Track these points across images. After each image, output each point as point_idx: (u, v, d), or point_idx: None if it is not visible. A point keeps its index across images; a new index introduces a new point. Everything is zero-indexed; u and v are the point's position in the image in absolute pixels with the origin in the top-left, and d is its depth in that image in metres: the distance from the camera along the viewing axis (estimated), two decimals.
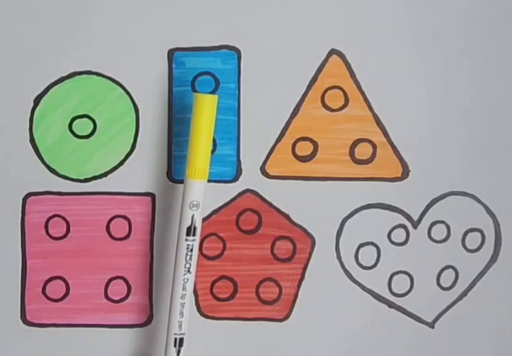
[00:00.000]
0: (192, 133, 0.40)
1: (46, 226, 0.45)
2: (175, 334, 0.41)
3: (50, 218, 0.45)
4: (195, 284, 0.45)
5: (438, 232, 0.45)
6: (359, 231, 0.45)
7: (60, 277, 0.45)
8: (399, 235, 0.45)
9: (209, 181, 0.45)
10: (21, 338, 0.45)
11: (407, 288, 0.45)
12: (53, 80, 0.45)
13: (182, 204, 0.41)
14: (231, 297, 0.45)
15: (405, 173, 0.45)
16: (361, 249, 0.45)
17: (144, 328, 0.45)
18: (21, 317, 0.45)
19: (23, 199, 0.45)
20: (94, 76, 0.45)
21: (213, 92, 0.45)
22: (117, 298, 0.45)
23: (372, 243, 0.45)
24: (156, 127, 0.45)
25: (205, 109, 0.40)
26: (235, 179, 0.45)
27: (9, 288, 0.45)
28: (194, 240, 0.40)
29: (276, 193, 0.45)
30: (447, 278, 0.45)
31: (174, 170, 0.45)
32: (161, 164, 0.45)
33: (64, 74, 0.45)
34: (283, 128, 0.45)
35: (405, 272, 0.45)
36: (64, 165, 0.45)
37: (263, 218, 0.45)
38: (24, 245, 0.45)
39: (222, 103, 0.45)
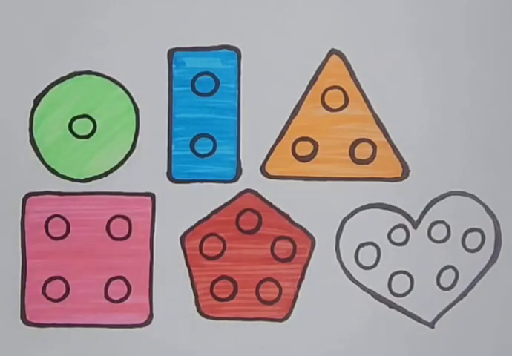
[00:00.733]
0: None
1: (46, 226, 0.45)
2: None
3: (50, 218, 0.45)
4: (195, 284, 0.45)
5: (438, 232, 0.45)
6: (359, 231, 0.45)
7: (60, 277, 0.45)
8: (399, 235, 0.45)
9: (209, 181, 0.45)
10: (21, 338, 0.45)
11: (407, 288, 0.45)
12: (53, 80, 0.45)
13: None
14: (231, 297, 0.45)
15: (405, 173, 0.45)
16: (361, 249, 0.45)
17: (144, 328, 0.45)
18: (21, 317, 0.45)
19: (23, 199, 0.45)
20: (94, 76, 0.45)
21: (213, 92, 0.45)
22: (117, 298, 0.45)
23: (372, 243, 0.45)
24: (156, 127, 0.45)
25: None
26: (235, 179, 0.45)
27: (9, 288, 0.45)
28: None
29: (276, 193, 0.45)
30: (447, 278, 0.45)
31: (174, 170, 0.45)
32: (161, 164, 0.45)
33: (64, 74, 0.45)
34: (283, 128, 0.45)
35: (405, 272, 0.45)
36: (64, 165, 0.45)
37: (263, 218, 0.45)
38: (24, 245, 0.45)
39: (222, 103, 0.45)
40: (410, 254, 0.45)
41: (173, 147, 0.45)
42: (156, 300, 0.45)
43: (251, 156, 0.45)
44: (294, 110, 0.45)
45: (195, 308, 0.45)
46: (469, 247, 0.45)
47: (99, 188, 0.45)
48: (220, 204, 0.45)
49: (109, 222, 0.45)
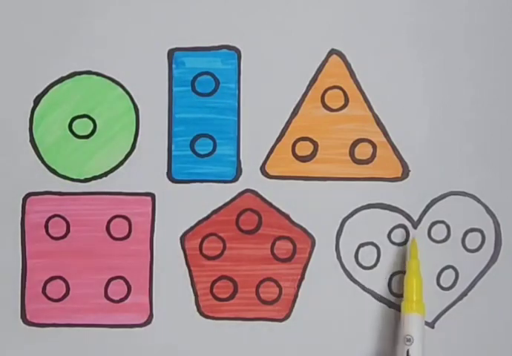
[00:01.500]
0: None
1: (46, 226, 0.45)
2: None
3: (50, 218, 0.45)
4: (195, 284, 0.45)
5: (438, 232, 0.45)
6: (359, 231, 0.45)
7: (60, 277, 0.45)
8: (399, 235, 0.45)
9: (209, 181, 0.45)
10: (21, 338, 0.45)
11: None
12: (53, 80, 0.45)
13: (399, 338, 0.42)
14: (231, 297, 0.45)
15: (405, 173, 0.45)
16: (361, 249, 0.45)
17: (144, 328, 0.45)
18: (21, 317, 0.45)
19: (23, 199, 0.45)
20: (94, 76, 0.45)
21: (213, 92, 0.45)
22: (117, 298, 0.45)
23: (372, 243, 0.45)
24: (156, 127, 0.45)
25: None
26: (235, 179, 0.45)
27: (9, 288, 0.45)
28: None
29: (276, 193, 0.45)
30: (447, 278, 0.45)
31: (174, 170, 0.45)
32: (161, 164, 0.45)
33: (64, 74, 0.45)
34: (283, 128, 0.45)
35: (405, 272, 0.45)
36: (64, 165, 0.45)
37: (263, 218, 0.45)
38: (24, 245, 0.45)
39: (222, 103, 0.45)
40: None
41: (173, 147, 0.45)
42: (156, 300, 0.45)
43: (251, 156, 0.45)
44: (294, 110, 0.45)
45: (195, 308, 0.45)
46: (469, 247, 0.45)
47: (99, 188, 0.45)
48: (220, 204, 0.45)
49: (109, 222, 0.45)
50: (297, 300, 0.45)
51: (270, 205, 0.45)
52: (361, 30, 0.44)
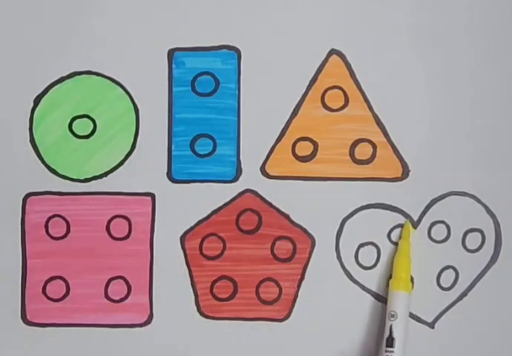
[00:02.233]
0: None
1: (46, 226, 0.45)
2: None
3: (50, 218, 0.45)
4: (195, 284, 0.45)
5: (438, 232, 0.45)
6: (359, 231, 0.45)
7: (60, 277, 0.45)
8: (399, 235, 0.45)
9: (209, 181, 0.45)
10: (21, 338, 0.45)
11: None
12: (53, 80, 0.45)
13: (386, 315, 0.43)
14: (231, 297, 0.45)
15: (405, 173, 0.45)
16: (361, 249, 0.45)
17: (144, 328, 0.45)
18: (21, 317, 0.45)
19: (23, 199, 0.45)
20: (94, 76, 0.45)
21: (213, 92, 0.45)
22: (117, 298, 0.45)
23: (372, 243, 0.45)
24: (156, 127, 0.45)
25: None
26: (235, 179, 0.45)
27: (9, 288, 0.45)
28: (392, 351, 0.42)
29: (276, 193, 0.45)
30: (447, 278, 0.45)
31: (174, 170, 0.45)
32: (161, 164, 0.45)
33: (64, 74, 0.45)
34: (283, 128, 0.45)
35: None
36: (64, 165, 0.45)
37: (263, 218, 0.45)
38: (24, 245, 0.45)
39: (222, 103, 0.45)
40: (410, 253, 0.45)
41: (173, 147, 0.45)
42: (156, 300, 0.45)
43: (251, 156, 0.45)
44: (294, 110, 0.45)
45: (195, 308, 0.45)
46: (469, 247, 0.45)
47: (99, 188, 0.45)
48: (220, 204, 0.45)
49: (109, 222, 0.45)
50: (297, 300, 0.45)
51: (270, 205, 0.45)
52: (361, 30, 0.44)
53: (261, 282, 0.45)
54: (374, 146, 0.45)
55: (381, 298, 0.45)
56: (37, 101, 0.45)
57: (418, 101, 0.45)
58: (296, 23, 0.44)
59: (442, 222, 0.45)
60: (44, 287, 0.45)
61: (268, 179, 0.45)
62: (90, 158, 0.45)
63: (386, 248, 0.45)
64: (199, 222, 0.45)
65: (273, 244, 0.45)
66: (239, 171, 0.45)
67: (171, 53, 0.45)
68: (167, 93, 0.45)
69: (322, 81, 0.45)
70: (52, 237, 0.45)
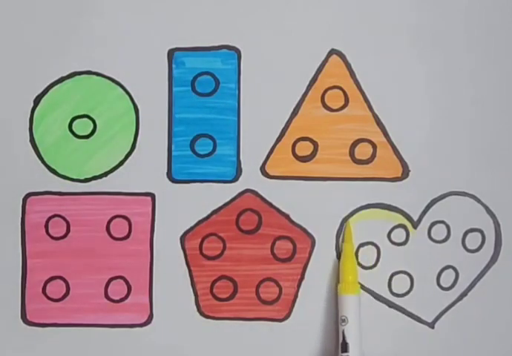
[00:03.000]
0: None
1: (46, 226, 0.45)
2: None
3: (50, 218, 0.45)
4: (195, 284, 0.45)
5: (438, 232, 0.45)
6: (359, 231, 0.45)
7: (60, 277, 0.45)
8: (399, 235, 0.45)
9: (209, 181, 0.45)
10: (21, 338, 0.45)
11: (407, 288, 0.45)
12: (53, 80, 0.45)
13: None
14: (231, 297, 0.45)
15: (405, 173, 0.45)
16: (361, 249, 0.45)
17: (144, 328, 0.45)
18: (21, 317, 0.45)
19: (23, 199, 0.45)
20: (94, 76, 0.45)
21: (213, 92, 0.45)
22: (117, 298, 0.45)
23: (372, 243, 0.45)
24: (156, 127, 0.45)
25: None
26: (235, 179, 0.45)
27: (9, 288, 0.45)
28: None
29: (276, 193, 0.45)
30: (447, 278, 0.45)
31: (174, 170, 0.45)
32: (161, 164, 0.45)
33: (64, 74, 0.45)
34: (283, 128, 0.45)
35: (405, 272, 0.45)
36: (64, 165, 0.45)
37: (263, 218, 0.45)
38: (24, 245, 0.45)
39: (222, 103, 0.45)
40: (410, 254, 0.45)
41: (173, 147, 0.45)
42: (156, 300, 0.45)
43: (251, 156, 0.45)
44: (294, 110, 0.45)
45: (195, 308, 0.45)
46: (469, 247, 0.45)
47: (99, 188, 0.45)
48: (220, 204, 0.45)
49: (109, 222, 0.45)
50: (297, 300, 0.45)
51: (270, 205, 0.45)
52: (361, 30, 0.44)
53: (261, 282, 0.45)
54: (374, 146, 0.45)
55: (381, 298, 0.45)
56: (37, 101, 0.45)
57: (418, 101, 0.45)
58: (296, 23, 0.44)
59: (442, 222, 0.45)
60: (44, 287, 0.45)
61: (268, 179, 0.45)
62: (90, 158, 0.45)
63: (386, 248, 0.45)
64: (199, 222, 0.45)
65: (273, 244, 0.45)
66: (239, 171, 0.45)
67: (171, 53, 0.45)
68: (167, 93, 0.45)
69: (322, 81, 0.45)
70: (52, 237, 0.45)
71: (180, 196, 0.45)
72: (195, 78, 0.45)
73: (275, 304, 0.45)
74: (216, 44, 0.44)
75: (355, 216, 0.45)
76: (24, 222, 0.45)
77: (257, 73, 0.44)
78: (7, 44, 0.45)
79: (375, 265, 0.45)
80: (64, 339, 0.45)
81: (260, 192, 0.45)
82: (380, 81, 0.45)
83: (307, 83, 0.45)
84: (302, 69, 0.45)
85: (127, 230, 0.45)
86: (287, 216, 0.45)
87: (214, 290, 0.45)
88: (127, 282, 0.45)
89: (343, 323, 0.42)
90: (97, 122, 0.45)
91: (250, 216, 0.45)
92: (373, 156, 0.45)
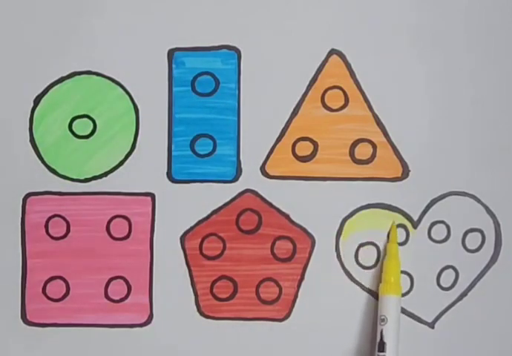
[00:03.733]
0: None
1: (46, 226, 0.45)
2: None
3: (50, 218, 0.45)
4: (195, 284, 0.45)
5: (438, 232, 0.45)
6: (359, 231, 0.45)
7: (60, 277, 0.45)
8: (399, 235, 0.45)
9: (209, 181, 0.45)
10: (21, 338, 0.45)
11: (407, 288, 0.45)
12: (53, 80, 0.45)
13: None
14: (231, 297, 0.45)
15: (405, 173, 0.45)
16: (361, 249, 0.45)
17: (144, 328, 0.45)
18: (21, 317, 0.45)
19: (23, 199, 0.45)
20: (94, 76, 0.45)
21: (213, 92, 0.45)
22: (117, 298, 0.45)
23: (372, 243, 0.45)
24: (156, 127, 0.45)
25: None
26: (235, 179, 0.45)
27: (9, 288, 0.45)
28: None
29: (276, 193, 0.45)
30: (447, 278, 0.45)
31: (174, 170, 0.45)
32: (161, 164, 0.45)
33: (64, 74, 0.45)
34: (283, 128, 0.45)
35: (405, 272, 0.45)
36: (64, 165, 0.45)
37: (263, 218, 0.45)
38: (24, 245, 0.45)
39: (222, 103, 0.45)
40: (410, 254, 0.45)
41: (173, 147, 0.45)
42: (156, 300, 0.45)
43: (251, 156, 0.45)
44: (294, 110, 0.45)
45: (195, 308, 0.45)
46: (469, 247, 0.45)
47: (99, 188, 0.45)
48: (220, 204, 0.45)
49: (109, 222, 0.45)
50: (297, 300, 0.45)
51: (270, 205, 0.45)
52: (361, 30, 0.44)
53: (261, 282, 0.45)
54: (374, 146, 0.45)
55: None
56: (37, 101, 0.45)
57: (418, 101, 0.45)
58: (296, 23, 0.44)
59: (442, 222, 0.45)
60: (44, 287, 0.45)
61: (268, 179, 0.45)
62: (90, 158, 0.45)
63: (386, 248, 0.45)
64: (199, 222, 0.45)
65: (273, 244, 0.45)
66: (239, 171, 0.45)
67: (171, 53, 0.45)
68: (167, 93, 0.45)
69: (322, 81, 0.45)
70: (52, 237, 0.45)
71: (180, 196, 0.45)
72: (195, 78, 0.45)
73: (275, 304, 0.45)
74: (216, 44, 0.44)
75: (355, 216, 0.45)
76: (24, 222, 0.45)
77: (257, 73, 0.44)
78: (7, 44, 0.45)
79: (375, 265, 0.45)
80: (64, 339, 0.45)
81: (260, 192, 0.45)
82: (380, 81, 0.45)
83: (307, 83, 0.45)
84: (302, 69, 0.45)
85: (127, 230, 0.45)
86: (287, 216, 0.45)
87: (214, 290, 0.45)
88: (127, 282, 0.45)
89: (382, 323, 0.42)
90: (97, 122, 0.45)
91: (250, 216, 0.45)
92: (373, 156, 0.45)
